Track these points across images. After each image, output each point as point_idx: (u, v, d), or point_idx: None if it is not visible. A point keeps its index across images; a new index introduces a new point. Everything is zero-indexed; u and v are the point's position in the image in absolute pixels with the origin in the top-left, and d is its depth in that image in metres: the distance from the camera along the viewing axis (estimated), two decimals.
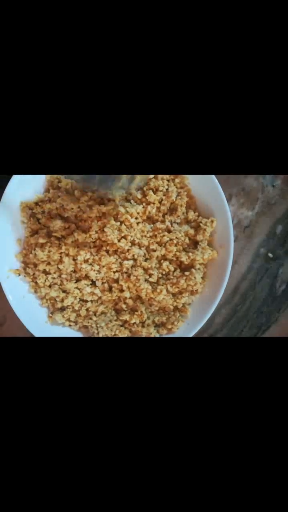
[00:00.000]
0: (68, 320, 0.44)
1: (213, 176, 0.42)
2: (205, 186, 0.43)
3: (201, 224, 0.43)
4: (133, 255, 0.42)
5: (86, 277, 0.43)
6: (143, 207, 0.43)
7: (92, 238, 0.42)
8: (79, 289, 0.43)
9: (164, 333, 0.43)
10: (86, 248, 0.42)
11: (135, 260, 0.43)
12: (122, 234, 0.42)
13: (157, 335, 0.43)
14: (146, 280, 0.43)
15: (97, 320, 0.43)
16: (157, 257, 0.43)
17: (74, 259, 0.42)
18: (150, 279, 0.42)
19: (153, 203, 0.43)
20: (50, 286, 0.43)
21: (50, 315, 0.44)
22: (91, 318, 0.43)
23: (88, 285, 0.43)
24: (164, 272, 0.43)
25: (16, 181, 0.42)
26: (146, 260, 0.43)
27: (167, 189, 0.43)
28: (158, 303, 0.42)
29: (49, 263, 0.43)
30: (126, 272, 0.43)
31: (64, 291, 0.43)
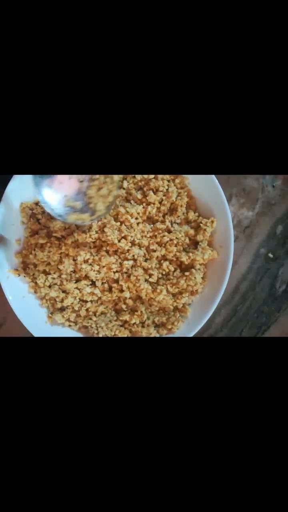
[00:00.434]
0: (68, 320, 0.44)
1: (213, 176, 0.42)
2: (205, 187, 0.43)
3: (201, 224, 0.43)
4: (133, 255, 0.42)
5: (86, 277, 0.43)
6: (143, 207, 0.43)
7: (92, 238, 0.42)
8: (79, 289, 0.43)
9: (164, 333, 0.43)
10: (86, 249, 0.42)
11: (135, 260, 0.43)
12: (122, 234, 0.42)
13: (157, 335, 0.43)
14: (146, 280, 0.43)
15: (97, 321, 0.43)
16: (157, 257, 0.43)
17: (74, 260, 0.42)
18: (150, 279, 0.42)
19: (153, 204, 0.43)
20: (50, 287, 0.43)
21: (50, 315, 0.44)
22: (91, 319, 0.43)
23: (88, 285, 0.43)
24: (164, 272, 0.43)
25: (16, 181, 0.42)
26: (146, 260, 0.43)
27: (167, 190, 0.43)
28: (158, 303, 0.42)
29: (49, 263, 0.43)
30: (126, 272, 0.43)
31: (64, 291, 0.43)
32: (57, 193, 0.37)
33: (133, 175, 0.43)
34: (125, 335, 0.43)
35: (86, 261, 0.42)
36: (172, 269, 0.43)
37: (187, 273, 0.42)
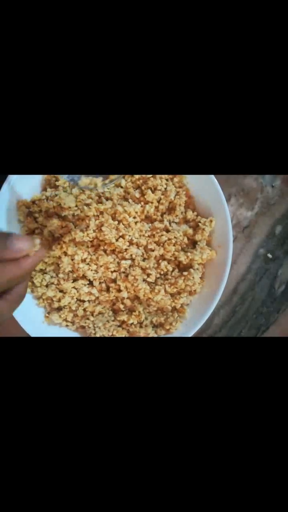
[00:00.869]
0: (65, 320, 0.43)
1: (212, 176, 0.42)
2: (204, 186, 0.43)
3: (199, 223, 0.43)
4: (131, 255, 0.42)
5: (84, 277, 0.42)
6: (141, 206, 0.42)
7: (90, 237, 0.41)
8: (76, 289, 0.42)
9: (162, 333, 0.43)
10: (83, 248, 0.42)
11: (133, 259, 0.42)
12: (120, 234, 0.41)
13: (155, 336, 0.43)
14: (144, 280, 0.42)
15: (95, 321, 0.43)
16: (155, 257, 0.43)
17: (72, 259, 0.42)
18: (148, 279, 0.42)
19: (152, 202, 0.42)
20: (47, 286, 0.43)
21: (47, 315, 0.43)
22: (88, 319, 0.43)
23: (85, 285, 0.42)
24: (162, 272, 0.43)
25: (13, 179, 0.41)
26: (144, 260, 0.43)
27: (165, 189, 0.43)
28: (156, 304, 0.42)
29: (45, 262, 0.42)
30: (124, 272, 0.42)
31: (61, 291, 0.43)
32: None
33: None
34: (123, 335, 0.42)
35: (83, 261, 0.42)
36: (170, 268, 0.43)
37: (185, 273, 0.42)
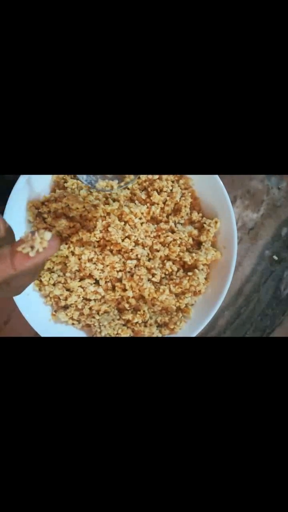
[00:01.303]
0: (71, 318, 0.44)
1: (218, 177, 0.42)
2: (210, 188, 0.43)
3: (204, 225, 0.43)
4: (137, 255, 0.42)
5: (90, 276, 0.43)
6: (147, 207, 0.43)
7: (97, 238, 0.42)
8: (82, 287, 0.43)
9: (166, 333, 0.43)
10: (90, 248, 0.43)
11: (138, 259, 0.43)
12: (126, 234, 0.42)
13: (159, 335, 0.43)
14: (149, 280, 0.43)
15: (100, 319, 0.43)
16: (161, 257, 0.43)
17: (79, 258, 0.43)
18: (153, 279, 0.43)
19: (157, 204, 0.43)
20: (54, 285, 0.44)
21: (54, 313, 0.44)
22: (94, 317, 0.43)
23: (91, 284, 0.43)
24: (167, 272, 0.43)
25: (23, 181, 0.42)
26: (149, 260, 0.43)
27: (171, 190, 0.44)
28: (160, 303, 0.43)
29: (53, 261, 0.43)
30: (129, 272, 0.43)
31: (68, 290, 0.44)
32: None
33: (138, 175, 0.44)
34: (128, 334, 0.43)
35: (90, 260, 0.43)
36: (175, 269, 0.43)
37: (190, 274, 0.42)
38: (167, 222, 0.44)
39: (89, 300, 0.44)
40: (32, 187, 0.44)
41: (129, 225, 0.42)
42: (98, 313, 0.44)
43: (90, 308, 0.43)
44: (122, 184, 0.39)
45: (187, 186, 0.45)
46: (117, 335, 0.43)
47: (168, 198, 0.44)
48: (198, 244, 0.44)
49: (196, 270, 0.42)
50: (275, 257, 0.49)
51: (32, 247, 0.24)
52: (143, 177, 0.44)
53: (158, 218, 0.44)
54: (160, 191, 0.44)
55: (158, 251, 0.43)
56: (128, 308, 0.44)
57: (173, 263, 0.43)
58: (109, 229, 0.41)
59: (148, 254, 0.43)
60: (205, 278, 0.43)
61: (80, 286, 0.43)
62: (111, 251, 0.43)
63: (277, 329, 0.49)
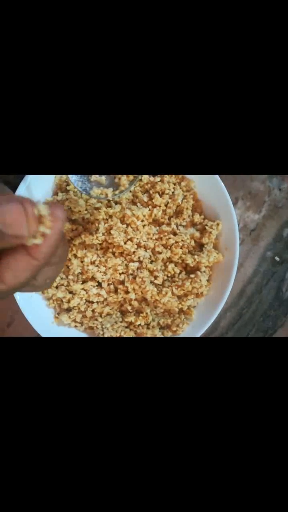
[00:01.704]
0: (74, 321, 0.44)
1: (219, 179, 0.42)
2: (211, 189, 0.43)
3: (206, 226, 0.43)
4: (139, 257, 0.43)
5: (93, 278, 0.43)
6: (149, 210, 0.43)
7: (99, 240, 0.42)
8: (85, 290, 0.43)
9: (168, 335, 0.44)
10: (93, 250, 0.43)
11: (140, 262, 0.43)
12: (128, 237, 0.42)
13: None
14: (151, 282, 0.43)
15: (103, 321, 0.43)
16: (163, 260, 0.43)
17: (81, 261, 0.43)
18: (156, 281, 0.43)
19: (159, 206, 0.43)
20: (57, 287, 0.44)
21: (57, 315, 0.44)
22: (96, 319, 0.44)
23: (94, 287, 0.43)
24: (169, 275, 0.43)
25: (26, 184, 0.43)
26: (151, 262, 0.44)
27: (173, 192, 0.44)
28: (163, 305, 0.43)
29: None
30: (131, 274, 0.43)
31: (70, 292, 0.44)
32: None
33: (139, 178, 0.44)
34: (130, 336, 0.43)
35: (92, 263, 0.43)
36: (178, 271, 0.43)
37: (192, 276, 0.42)
38: (169, 224, 0.44)
39: (92, 302, 0.44)
40: (34, 190, 0.44)
41: (131, 227, 0.43)
42: (100, 316, 0.44)
43: (93, 311, 0.44)
44: (117, 192, 0.39)
45: (188, 188, 0.45)
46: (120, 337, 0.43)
47: (170, 200, 0.44)
48: (200, 246, 0.44)
49: (199, 272, 0.42)
50: (277, 258, 0.49)
51: (34, 236, 0.20)
52: (145, 179, 0.44)
53: (160, 221, 0.44)
54: (162, 194, 0.44)
55: (160, 253, 0.43)
56: (131, 311, 0.44)
57: (176, 265, 0.43)
58: (112, 231, 0.42)
59: (151, 257, 0.43)
60: (207, 280, 0.43)
61: (83, 289, 0.43)
62: (113, 253, 0.43)
63: (279, 330, 0.49)
